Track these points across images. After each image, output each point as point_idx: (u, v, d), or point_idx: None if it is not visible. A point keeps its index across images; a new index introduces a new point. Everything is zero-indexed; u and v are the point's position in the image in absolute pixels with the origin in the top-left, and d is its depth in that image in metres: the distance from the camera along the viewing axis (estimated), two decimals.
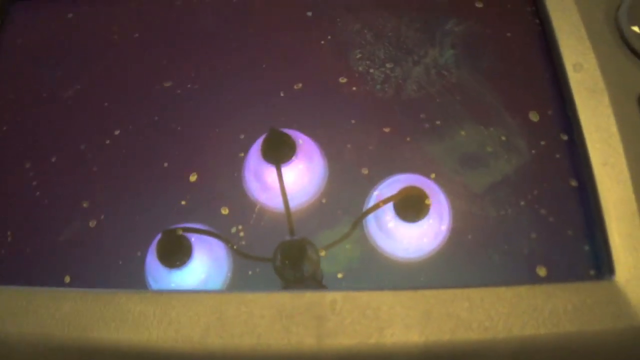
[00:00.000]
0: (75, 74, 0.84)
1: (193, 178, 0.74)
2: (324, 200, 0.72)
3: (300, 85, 0.78)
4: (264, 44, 0.83)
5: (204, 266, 0.66)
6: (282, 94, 0.78)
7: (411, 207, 0.65)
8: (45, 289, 0.68)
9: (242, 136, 0.75)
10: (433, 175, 0.71)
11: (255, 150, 0.72)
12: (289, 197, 0.67)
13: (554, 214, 0.70)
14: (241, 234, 0.70)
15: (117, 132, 0.78)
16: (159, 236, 0.65)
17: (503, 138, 0.73)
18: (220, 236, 0.65)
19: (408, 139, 0.74)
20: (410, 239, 0.68)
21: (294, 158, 0.68)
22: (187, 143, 0.77)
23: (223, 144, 0.75)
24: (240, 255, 0.64)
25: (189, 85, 0.80)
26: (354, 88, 0.77)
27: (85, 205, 0.75)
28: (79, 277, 0.71)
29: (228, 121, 0.78)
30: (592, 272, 0.66)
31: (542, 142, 0.73)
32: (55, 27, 0.89)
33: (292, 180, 0.70)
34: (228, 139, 0.75)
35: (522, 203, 0.70)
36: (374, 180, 0.71)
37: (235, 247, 0.65)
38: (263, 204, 0.72)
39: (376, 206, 0.65)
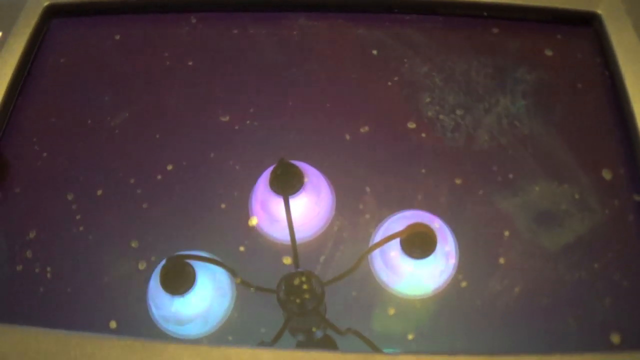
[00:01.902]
0: (124, 100, 0.78)
1: (253, 222, 0.68)
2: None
3: (367, 128, 0.73)
4: (327, 81, 0.78)
5: (207, 295, 0.62)
6: (347, 137, 0.73)
7: (418, 243, 0.61)
8: (89, 334, 0.62)
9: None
10: (507, 233, 0.67)
11: (264, 180, 0.67)
12: (295, 229, 0.63)
13: (627, 278, 0.66)
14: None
15: (169, 167, 0.72)
16: (163, 262, 0.61)
17: (576, 196, 0.69)
18: (225, 265, 0.61)
19: (481, 192, 0.69)
20: (415, 276, 0.64)
21: (301, 190, 0.64)
22: (246, 183, 0.71)
23: None
24: (244, 285, 0.60)
25: (247, 122, 0.75)
26: (424, 134, 0.73)
27: (134, 245, 0.69)
28: (126, 324, 0.65)
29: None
30: None
31: (615, 202, 0.69)
32: (101, 48, 0.82)
33: (299, 212, 0.66)
34: None
35: (596, 266, 0.66)
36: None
37: (239, 277, 0.60)
38: (269, 235, 0.67)
39: (382, 242, 0.61)
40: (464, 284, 0.65)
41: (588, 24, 0.79)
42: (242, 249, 0.67)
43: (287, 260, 0.65)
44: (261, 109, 0.76)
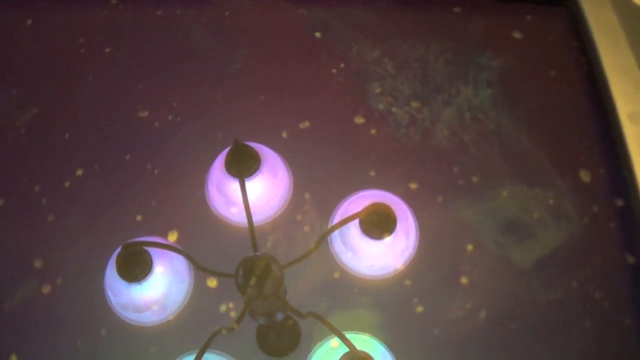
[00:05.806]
0: (32, 94, 0.64)
1: (172, 238, 0.54)
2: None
3: (307, 123, 0.59)
4: (263, 69, 0.64)
5: (164, 281, 0.54)
6: (284, 135, 0.58)
7: (377, 223, 0.52)
8: None
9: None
10: (470, 247, 0.53)
11: (219, 163, 0.56)
12: (252, 211, 0.53)
13: (609, 297, 0.54)
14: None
15: (79, 172, 0.59)
16: (118, 249, 0.52)
17: (550, 202, 0.56)
18: (182, 251, 0.52)
19: (440, 198, 0.55)
20: (376, 256, 0.54)
21: (257, 172, 0.55)
22: (166, 191, 0.58)
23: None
24: (202, 271, 0.51)
25: (169, 118, 0.61)
26: (373, 130, 0.59)
27: (37, 265, 0.56)
28: (29, 357, 0.54)
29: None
30: None
31: (595, 208, 0.57)
32: (11, 35, 0.68)
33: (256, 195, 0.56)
34: None
35: (574, 284, 0.54)
36: None
37: (197, 262, 0.52)
38: (226, 218, 0.56)
39: (341, 223, 0.52)
40: (419, 308, 0.53)
41: (561, 3, 0.66)
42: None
43: None
44: (185, 104, 0.62)
